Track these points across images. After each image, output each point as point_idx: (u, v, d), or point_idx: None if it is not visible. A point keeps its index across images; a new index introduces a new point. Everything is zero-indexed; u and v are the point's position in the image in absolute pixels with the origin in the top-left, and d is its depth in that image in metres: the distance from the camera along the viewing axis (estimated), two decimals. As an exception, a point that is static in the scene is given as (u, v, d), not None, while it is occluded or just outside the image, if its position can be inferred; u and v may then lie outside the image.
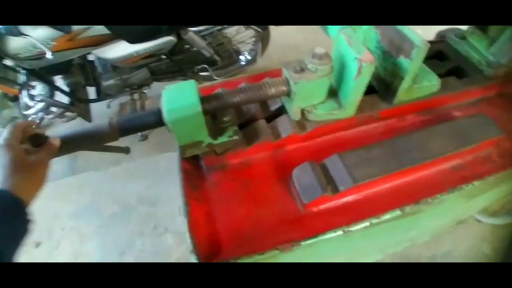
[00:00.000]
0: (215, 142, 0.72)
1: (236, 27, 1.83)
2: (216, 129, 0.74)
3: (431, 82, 0.80)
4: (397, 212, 0.67)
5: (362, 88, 0.69)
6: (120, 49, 1.45)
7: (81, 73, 1.57)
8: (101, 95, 1.68)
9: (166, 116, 0.65)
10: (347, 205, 0.69)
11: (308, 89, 0.69)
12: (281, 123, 0.78)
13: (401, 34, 0.69)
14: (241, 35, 1.89)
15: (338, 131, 0.80)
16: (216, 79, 1.71)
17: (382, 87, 0.80)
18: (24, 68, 1.36)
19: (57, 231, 1.45)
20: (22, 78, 1.40)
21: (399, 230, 0.88)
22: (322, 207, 0.69)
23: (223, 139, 0.73)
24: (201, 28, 1.61)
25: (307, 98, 0.72)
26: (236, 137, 0.73)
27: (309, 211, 0.69)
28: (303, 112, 0.75)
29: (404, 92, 0.77)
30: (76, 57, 1.44)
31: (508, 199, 1.23)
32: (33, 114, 1.50)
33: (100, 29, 1.34)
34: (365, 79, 0.66)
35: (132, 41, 1.43)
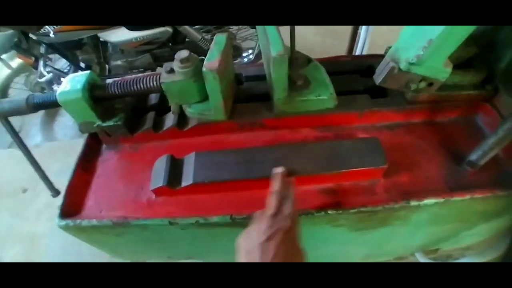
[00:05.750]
0: (103, 124, 0.82)
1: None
2: (110, 113, 0.83)
3: (320, 97, 0.77)
4: (227, 219, 0.68)
5: (215, 93, 0.70)
6: (121, 34, 1.63)
7: (94, 51, 1.79)
8: (111, 73, 1.89)
9: (57, 96, 0.76)
10: (188, 200, 0.73)
11: (176, 89, 0.73)
12: (169, 117, 0.84)
13: (268, 40, 0.68)
14: (247, 33, 1.94)
15: (220, 133, 0.82)
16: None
17: (269, 95, 0.80)
18: (43, 42, 1.62)
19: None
20: (42, 50, 1.68)
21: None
22: (165, 196, 0.73)
23: (110, 122, 0.81)
24: (196, 21, 1.70)
25: (179, 96, 0.76)
26: (119, 123, 0.81)
27: (155, 197, 0.74)
28: (184, 109, 0.80)
29: (283, 103, 0.76)
30: (87, 37, 1.66)
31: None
32: (44, 81, 1.78)
33: (103, 15, 1.53)
34: (211, 85, 0.68)
35: (130, 28, 1.59)
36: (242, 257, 0.51)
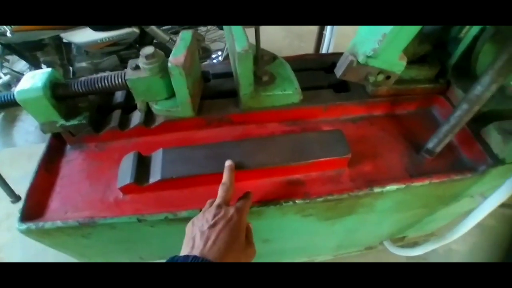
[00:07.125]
0: (67, 123, 0.79)
1: (207, 26, 1.89)
2: (74, 112, 0.81)
3: (285, 92, 0.79)
4: (197, 213, 0.68)
5: (182, 89, 0.71)
6: (86, 35, 1.58)
7: (56, 53, 1.72)
8: (75, 76, 1.83)
9: (16, 95, 0.73)
10: (157, 197, 0.72)
11: (141, 86, 0.73)
12: (135, 115, 0.82)
13: (233, 37, 0.70)
14: (216, 34, 1.95)
15: (188, 129, 0.82)
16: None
17: (236, 91, 0.81)
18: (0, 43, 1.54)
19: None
20: (-2, 51, 1.60)
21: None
22: (133, 194, 0.72)
23: (74, 122, 0.79)
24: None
25: (145, 93, 0.75)
26: (84, 122, 0.79)
27: (122, 195, 0.73)
28: (151, 106, 0.79)
29: (249, 98, 0.78)
30: (48, 38, 1.60)
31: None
32: (0, 84, 1.69)
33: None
34: (178, 81, 0.68)
35: (94, 28, 1.55)
36: (184, 242, 0.52)
